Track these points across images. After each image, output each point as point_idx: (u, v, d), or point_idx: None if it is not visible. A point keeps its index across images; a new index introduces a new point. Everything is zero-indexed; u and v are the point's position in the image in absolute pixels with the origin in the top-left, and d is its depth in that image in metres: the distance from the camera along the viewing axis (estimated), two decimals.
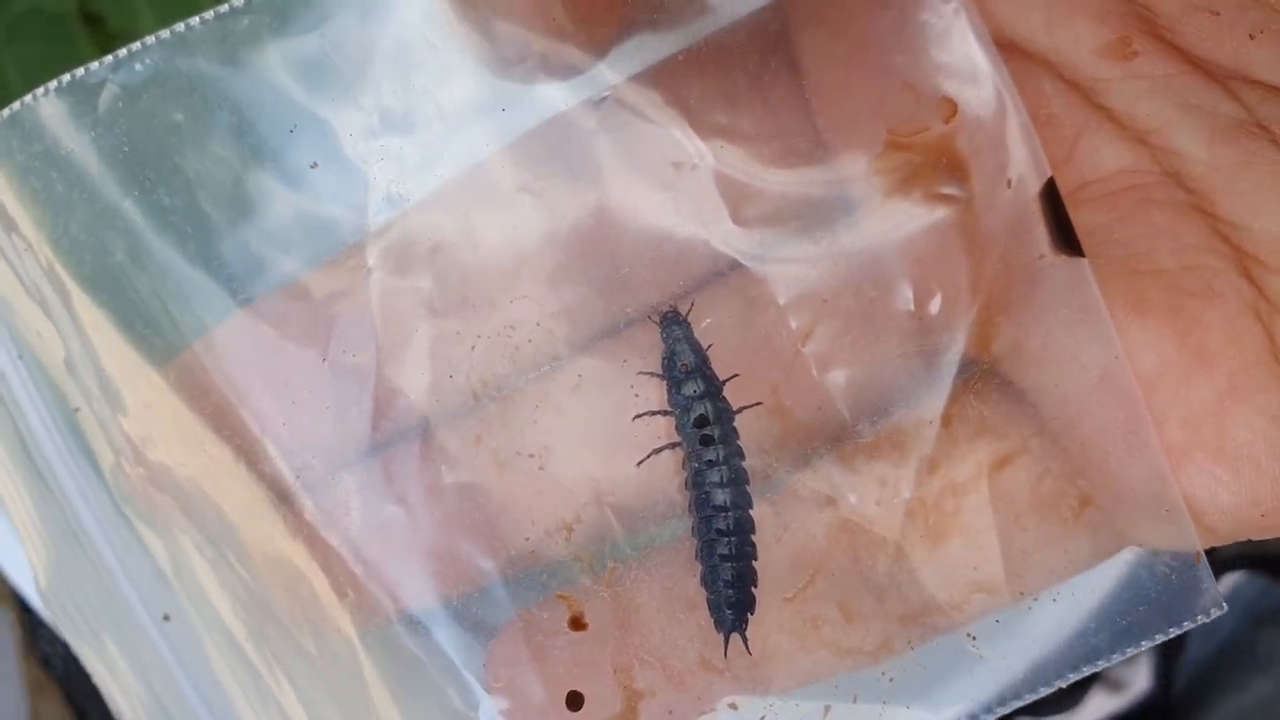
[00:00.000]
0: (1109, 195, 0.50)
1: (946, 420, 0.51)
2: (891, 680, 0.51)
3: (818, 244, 0.51)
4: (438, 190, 0.51)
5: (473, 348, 0.51)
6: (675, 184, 0.51)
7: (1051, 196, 0.48)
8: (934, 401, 0.51)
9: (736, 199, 0.51)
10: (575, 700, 0.51)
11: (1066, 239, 0.48)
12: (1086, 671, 0.51)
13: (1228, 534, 0.50)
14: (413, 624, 0.52)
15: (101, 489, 0.51)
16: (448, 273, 0.51)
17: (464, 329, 0.51)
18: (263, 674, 0.51)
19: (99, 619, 0.52)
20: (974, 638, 0.51)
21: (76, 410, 0.51)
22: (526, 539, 0.51)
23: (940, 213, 0.50)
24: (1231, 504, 0.48)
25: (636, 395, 0.52)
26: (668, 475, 0.52)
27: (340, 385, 0.51)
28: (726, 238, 0.51)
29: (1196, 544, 0.49)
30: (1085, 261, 0.48)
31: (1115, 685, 0.92)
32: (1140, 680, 0.92)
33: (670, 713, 0.51)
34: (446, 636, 0.51)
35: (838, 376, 0.51)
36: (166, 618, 0.51)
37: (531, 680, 0.51)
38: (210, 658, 0.51)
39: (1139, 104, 0.49)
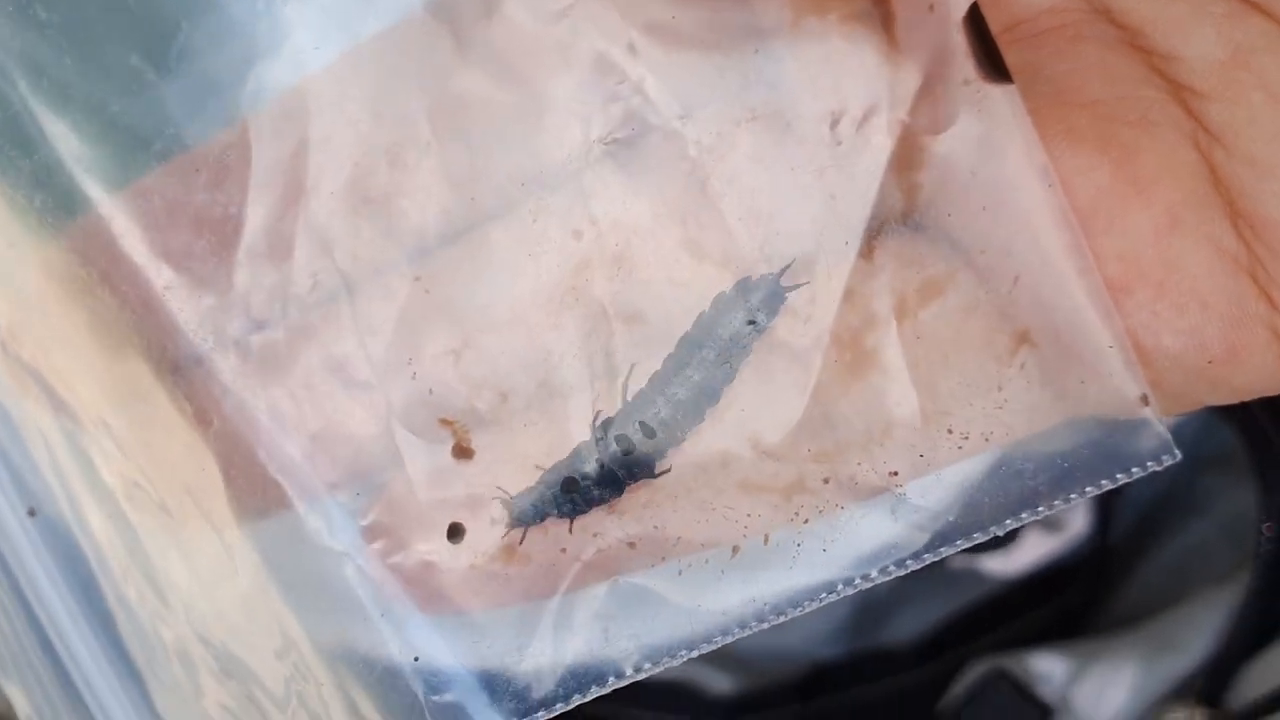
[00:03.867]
0: (1039, 35, 0.46)
1: (868, 250, 0.46)
2: (807, 521, 0.45)
3: (727, 63, 0.46)
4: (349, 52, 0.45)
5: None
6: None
7: (976, 21, 0.44)
8: (854, 227, 0.46)
9: (640, 15, 0.46)
10: (455, 531, 0.46)
11: (993, 64, 0.45)
12: (1026, 519, 0.45)
13: (1175, 390, 0.46)
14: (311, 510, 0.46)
15: None
16: (350, 140, 0.46)
17: (361, 204, 0.46)
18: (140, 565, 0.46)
19: None
20: (896, 474, 0.45)
21: None
22: (409, 360, 0.46)
23: (859, 34, 0.46)
24: (1177, 348, 0.45)
25: (534, 221, 0.46)
26: (567, 303, 0.47)
27: (237, 261, 0.45)
28: (629, 57, 0.46)
29: (1142, 384, 0.45)
30: (1013, 88, 0.45)
31: (1052, 525, 0.90)
32: (1078, 522, 0.90)
33: (563, 551, 0.46)
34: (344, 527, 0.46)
35: (754, 196, 0.46)
36: (32, 513, 0.46)
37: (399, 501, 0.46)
38: (82, 549, 0.47)
39: None
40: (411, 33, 0.45)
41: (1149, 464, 0.46)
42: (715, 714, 0.88)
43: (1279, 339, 0.45)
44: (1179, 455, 0.46)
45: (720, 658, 0.79)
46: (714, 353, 0.46)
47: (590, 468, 0.45)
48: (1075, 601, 0.88)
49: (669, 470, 0.46)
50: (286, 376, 0.46)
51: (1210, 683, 0.76)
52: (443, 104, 0.46)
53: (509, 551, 0.46)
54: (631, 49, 0.46)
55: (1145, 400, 0.45)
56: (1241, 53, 0.44)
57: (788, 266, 0.46)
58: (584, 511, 0.46)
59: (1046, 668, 0.83)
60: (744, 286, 0.46)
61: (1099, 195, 0.45)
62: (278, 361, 0.46)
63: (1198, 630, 0.79)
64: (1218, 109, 0.44)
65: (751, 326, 0.46)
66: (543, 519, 0.46)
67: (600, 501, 0.45)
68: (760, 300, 0.46)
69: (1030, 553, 0.89)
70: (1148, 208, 0.45)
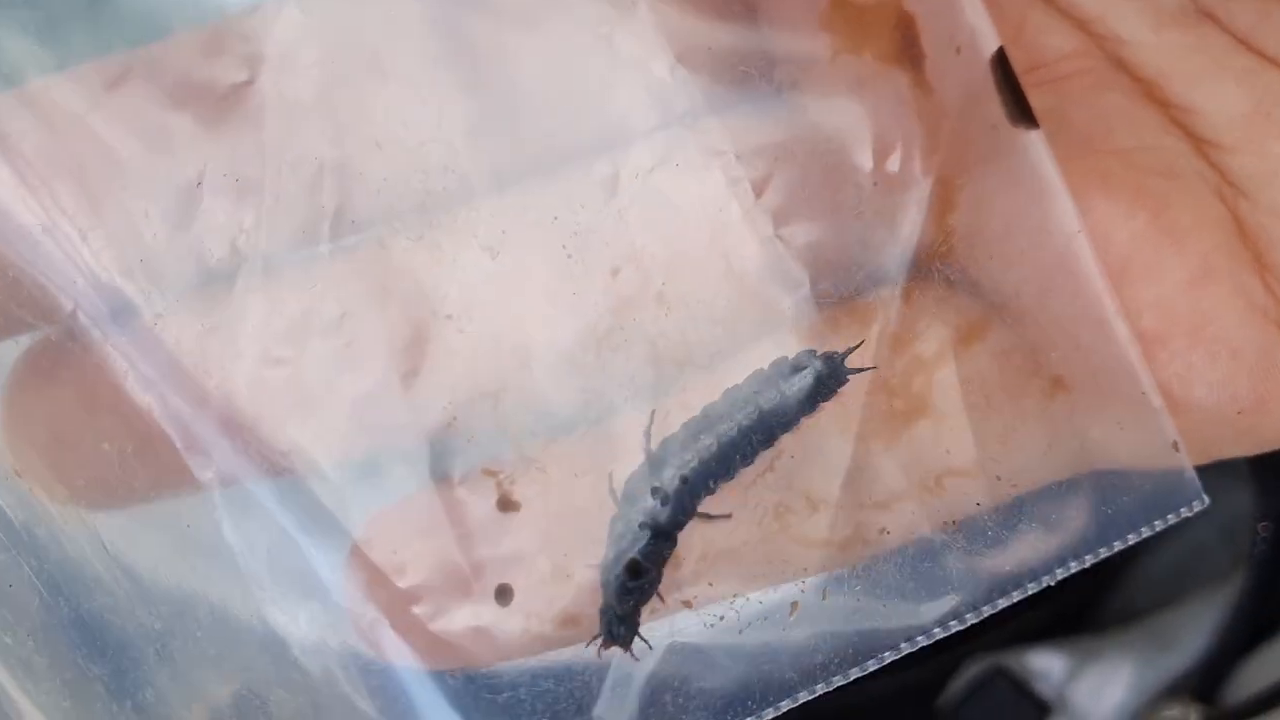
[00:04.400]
0: (1060, 80, 0.46)
1: (908, 294, 0.45)
2: (865, 574, 0.44)
3: (767, 97, 0.45)
4: None
5: (377, 191, 0.42)
6: (614, 21, 0.44)
7: (1003, 66, 0.44)
8: (895, 269, 0.45)
9: (681, 43, 0.44)
10: (504, 592, 0.43)
11: (1020, 109, 0.45)
12: (1074, 568, 0.45)
13: (1204, 441, 0.46)
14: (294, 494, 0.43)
15: None
16: (344, 94, 0.42)
17: (364, 164, 0.42)
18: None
19: None
20: (954, 523, 0.44)
21: None
22: (447, 405, 0.43)
23: (893, 74, 0.45)
24: (1210, 400, 0.45)
25: (569, 256, 0.44)
26: (613, 344, 0.44)
27: (214, 215, 0.42)
28: (669, 84, 0.44)
29: (1174, 431, 0.45)
30: (1039, 134, 0.44)
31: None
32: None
33: None
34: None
35: (796, 233, 0.45)
36: None
37: (441, 561, 0.43)
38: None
39: None
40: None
41: (1181, 510, 0.46)
42: None
43: None
44: (1207, 501, 0.46)
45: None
46: (756, 416, 0.44)
47: (649, 527, 0.43)
48: (1073, 600, 0.88)
49: (729, 516, 0.45)
50: (309, 419, 0.43)
51: (1205, 680, 0.77)
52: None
53: (565, 617, 0.44)
54: (671, 83, 0.44)
55: (1176, 446, 0.45)
56: (1263, 106, 0.44)
57: (854, 348, 0.45)
58: (658, 583, 0.44)
59: (1044, 665, 0.83)
60: (808, 359, 0.44)
61: (1135, 243, 0.45)
62: (302, 400, 0.43)
63: (1194, 629, 0.79)
64: (1241, 161, 0.45)
65: (808, 404, 0.44)
66: (636, 622, 0.44)
67: (665, 561, 0.43)
68: (823, 379, 0.44)
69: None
70: (1182, 257, 0.45)
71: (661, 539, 0.43)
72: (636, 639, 0.43)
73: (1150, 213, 0.45)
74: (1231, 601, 0.78)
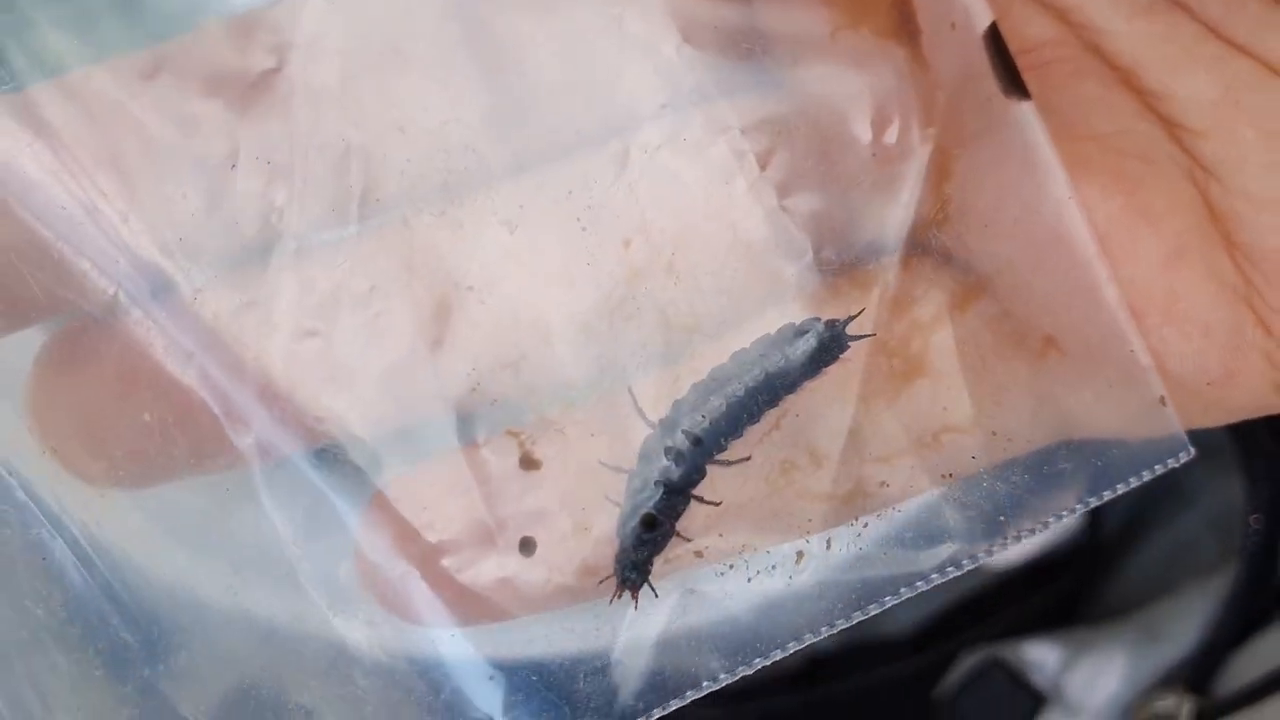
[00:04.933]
0: (1042, 66, 0.47)
1: (906, 260, 0.47)
2: (866, 525, 0.46)
3: (770, 73, 0.46)
4: None
5: (401, 172, 0.44)
6: (623, 3, 0.45)
7: (995, 40, 0.45)
8: (894, 236, 0.47)
9: (687, 22, 0.46)
10: (527, 544, 0.45)
11: (1013, 81, 0.46)
12: (1065, 516, 0.47)
13: (1177, 411, 0.47)
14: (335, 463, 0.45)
15: None
16: (368, 80, 0.44)
17: (388, 146, 0.44)
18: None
19: None
20: (950, 476, 0.46)
21: None
22: (470, 372, 0.45)
23: (890, 49, 0.47)
24: (1180, 371, 0.46)
25: (584, 229, 0.46)
26: (625, 313, 0.46)
27: (248, 197, 0.44)
28: (676, 63, 0.46)
29: (1161, 386, 0.46)
30: (1030, 105, 0.46)
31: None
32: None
33: None
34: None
35: (799, 203, 0.47)
36: None
37: (468, 516, 0.45)
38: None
39: None
40: None
41: (1169, 460, 0.47)
42: (714, 702, 0.88)
43: (1273, 364, 0.47)
44: (1194, 451, 0.47)
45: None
46: (762, 379, 0.46)
47: (663, 484, 0.45)
48: (1067, 592, 0.89)
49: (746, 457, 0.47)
50: (342, 388, 0.45)
51: (1198, 671, 0.78)
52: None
53: (584, 568, 0.46)
54: (679, 62, 0.46)
55: (1163, 401, 0.47)
56: (1233, 92, 0.45)
57: (855, 316, 0.47)
58: (671, 535, 0.46)
59: (1039, 656, 0.83)
60: (812, 324, 0.46)
61: (1111, 225, 0.46)
62: (334, 371, 0.45)
63: (1186, 620, 0.80)
64: (1211, 146, 0.46)
65: (810, 368, 0.46)
66: (648, 570, 0.46)
67: (678, 516, 0.45)
68: (826, 344, 0.46)
69: (1023, 544, 0.90)
70: (1157, 238, 0.46)
71: (675, 495, 0.45)
72: (646, 586, 0.45)
73: (1125, 195, 0.46)
74: (1223, 593, 0.78)
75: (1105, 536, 0.91)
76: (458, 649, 0.45)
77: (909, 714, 0.88)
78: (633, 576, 0.45)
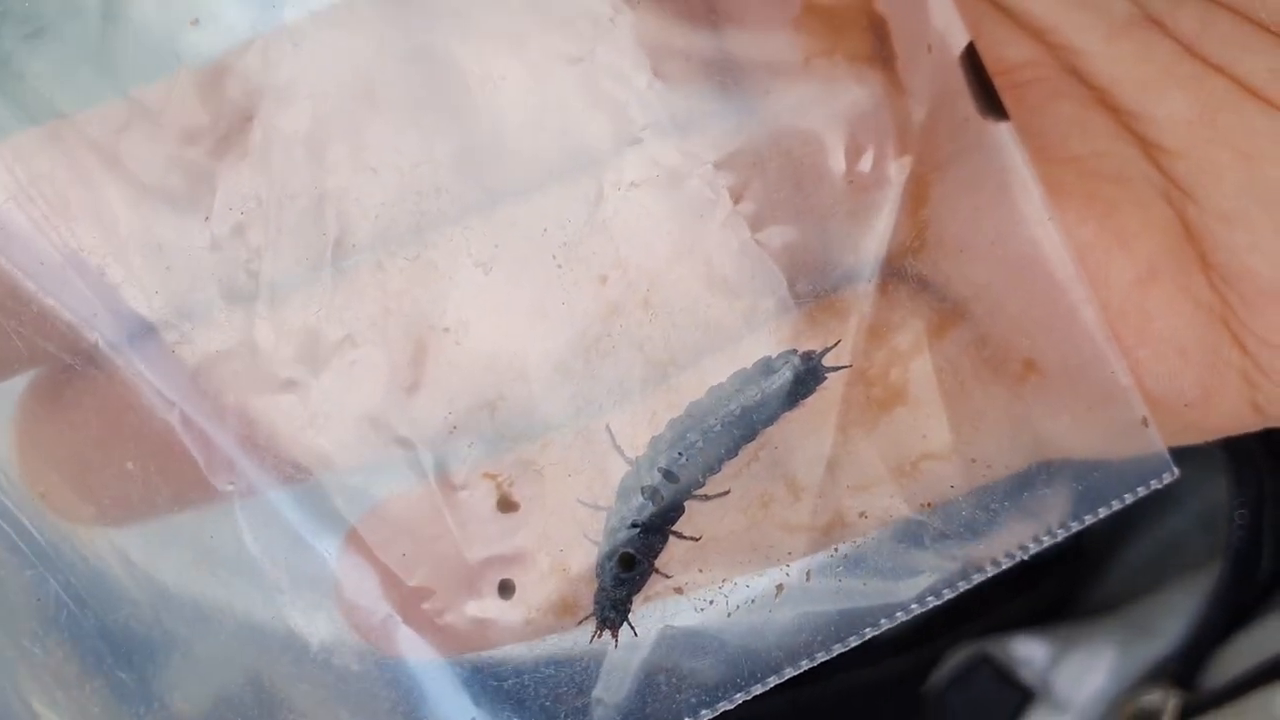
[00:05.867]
0: (1018, 87, 0.47)
1: (883, 288, 0.47)
2: (846, 556, 0.45)
3: (743, 103, 0.46)
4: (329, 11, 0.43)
5: (375, 216, 0.44)
6: (594, 38, 0.45)
7: (973, 61, 0.45)
8: (870, 265, 0.46)
9: (658, 54, 0.45)
10: (506, 587, 0.45)
11: (991, 102, 0.45)
12: (1046, 542, 0.46)
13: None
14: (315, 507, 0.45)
15: None
16: (339, 124, 0.44)
17: (361, 190, 0.44)
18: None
19: None
20: (929, 505, 0.46)
21: None
22: (448, 415, 0.45)
23: (865, 74, 0.46)
24: (1156, 392, 0.46)
25: (559, 266, 0.45)
26: (602, 350, 0.46)
27: (223, 246, 0.43)
28: (648, 96, 0.45)
29: (1143, 407, 0.46)
30: (1008, 126, 0.45)
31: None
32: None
33: None
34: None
35: (773, 236, 0.46)
36: None
37: (446, 560, 0.45)
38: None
39: (1032, 4, 0.46)
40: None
41: (1151, 482, 0.47)
42: None
43: (1250, 384, 0.46)
44: (1177, 472, 0.47)
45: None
46: (739, 414, 0.45)
47: (640, 523, 0.45)
48: (1055, 589, 0.89)
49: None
50: (320, 433, 0.45)
51: (1185, 666, 0.77)
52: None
53: (562, 605, 0.45)
54: (650, 95, 0.45)
55: (1145, 422, 0.46)
56: (1208, 112, 0.45)
57: (831, 347, 0.46)
58: (649, 574, 0.45)
59: (1027, 652, 0.83)
60: (788, 358, 0.46)
61: (1084, 249, 0.46)
62: (312, 417, 0.44)
63: (1173, 616, 0.79)
64: (1187, 165, 0.46)
65: (788, 401, 0.46)
66: (628, 609, 0.45)
67: (656, 555, 0.45)
68: (802, 377, 0.46)
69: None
70: (1130, 259, 0.46)
71: (653, 533, 0.45)
72: (626, 625, 0.45)
73: (1099, 219, 0.46)
74: (1209, 589, 0.78)
75: (1093, 535, 0.90)
76: (440, 689, 0.44)
77: (897, 711, 0.87)
78: (612, 615, 0.45)
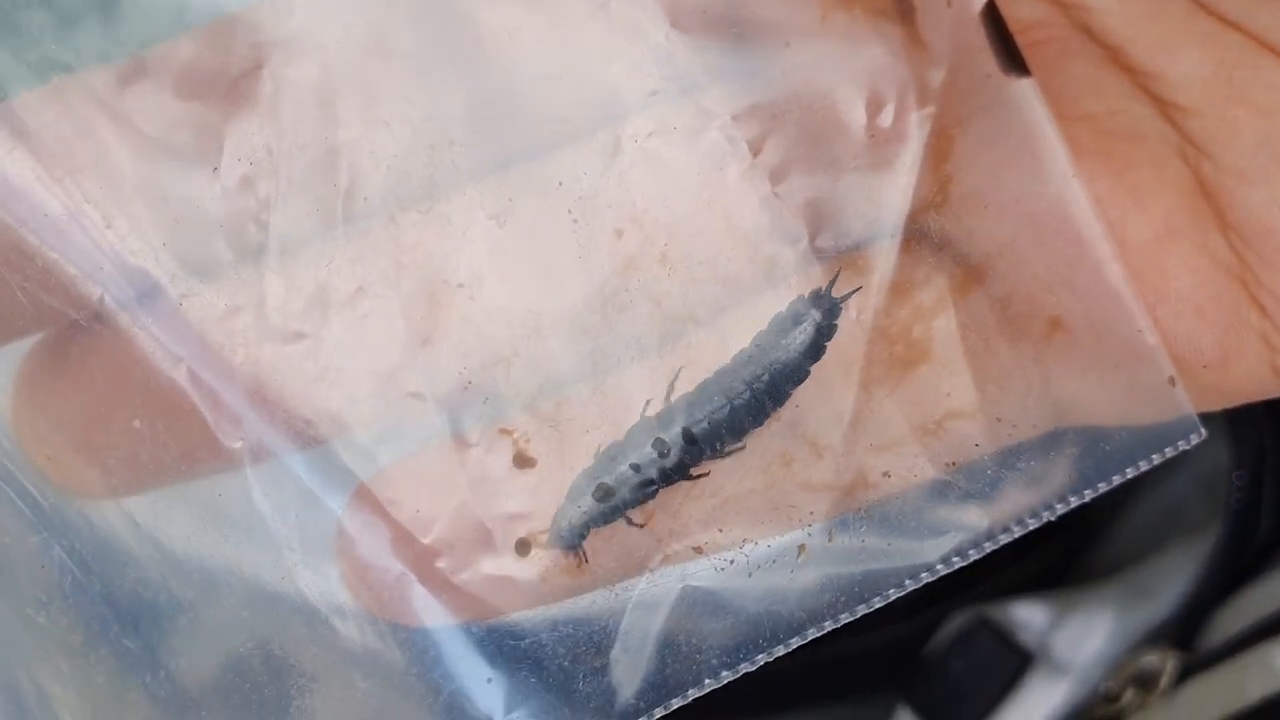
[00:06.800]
0: (1033, 45, 0.46)
1: (906, 244, 0.45)
2: (869, 516, 0.44)
3: (761, 56, 0.45)
4: None
5: (386, 169, 0.43)
6: None
7: (993, 15, 0.44)
8: (892, 220, 0.45)
9: (675, 6, 0.44)
10: (524, 545, 0.44)
11: (1012, 58, 0.45)
12: (1074, 502, 0.45)
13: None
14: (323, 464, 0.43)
15: None
16: (351, 75, 0.42)
17: (373, 143, 0.43)
18: None
19: None
20: (954, 464, 0.44)
21: None
22: (461, 370, 0.43)
23: (884, 28, 0.45)
24: (1175, 354, 0.45)
25: (575, 221, 0.44)
26: (619, 305, 0.44)
27: (232, 199, 0.42)
28: (665, 49, 0.44)
29: (1170, 366, 0.44)
30: (1030, 82, 0.44)
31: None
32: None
33: (629, 554, 0.44)
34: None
35: (793, 189, 0.45)
36: None
37: (462, 517, 0.43)
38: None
39: None
40: None
41: (1179, 443, 0.46)
42: None
43: (1269, 346, 0.45)
44: (1204, 433, 0.46)
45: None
46: (769, 378, 0.44)
47: (624, 471, 0.43)
48: (1055, 554, 0.88)
49: (707, 474, 0.45)
50: (331, 389, 0.43)
51: (1183, 629, 0.77)
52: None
53: (579, 562, 0.44)
54: (668, 48, 0.44)
55: (1173, 381, 0.45)
56: (1224, 69, 0.44)
57: (835, 279, 0.45)
58: (619, 516, 0.44)
59: (1027, 616, 0.82)
60: (802, 305, 0.44)
61: (1101, 206, 0.45)
62: (324, 372, 0.43)
63: (1172, 579, 0.79)
64: (1202, 123, 0.45)
65: (816, 351, 0.44)
66: (583, 537, 0.44)
67: (633, 504, 0.44)
68: (823, 318, 0.44)
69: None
70: (1146, 218, 0.45)
71: (646, 486, 0.43)
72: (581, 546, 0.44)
73: (1114, 177, 0.45)
74: (1208, 551, 0.78)
75: (1095, 499, 0.90)
76: (455, 650, 0.43)
77: (897, 675, 0.87)
78: (568, 536, 0.43)
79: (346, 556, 0.43)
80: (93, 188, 0.41)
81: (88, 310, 0.41)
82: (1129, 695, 0.77)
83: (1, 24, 0.40)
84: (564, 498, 0.44)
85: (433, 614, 0.43)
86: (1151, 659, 0.77)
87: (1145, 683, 0.76)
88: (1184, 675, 0.74)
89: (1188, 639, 0.76)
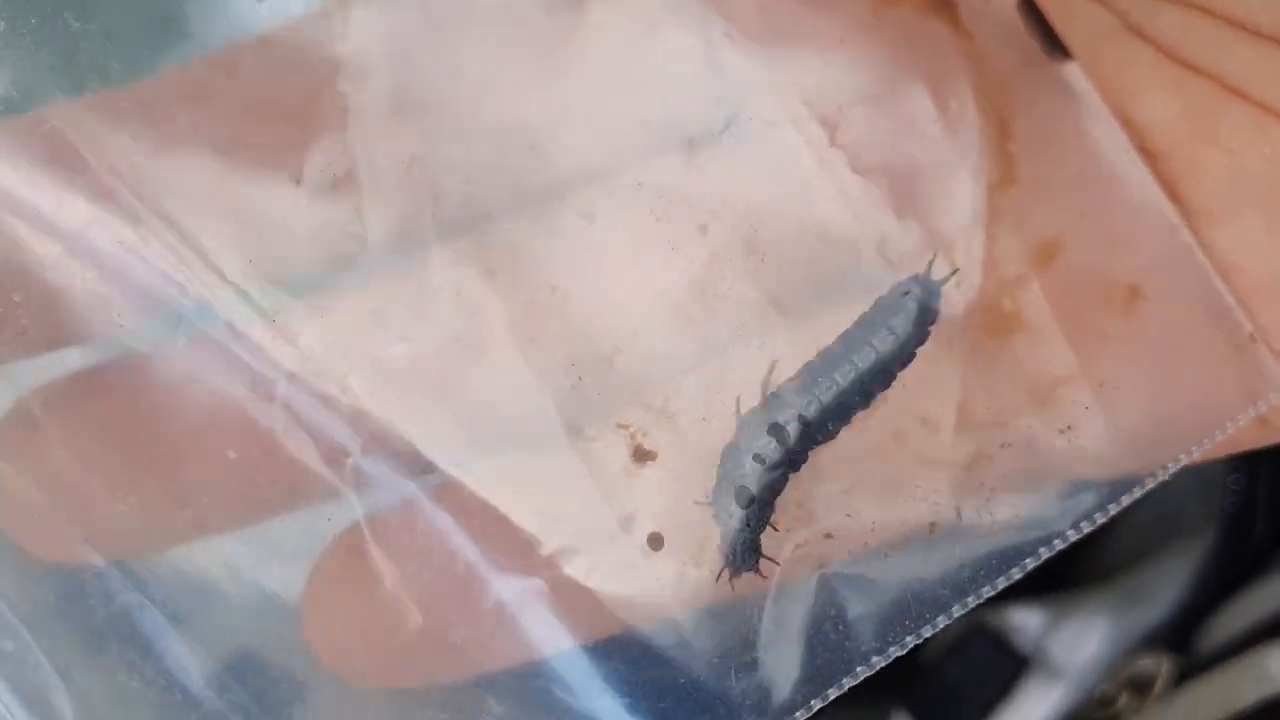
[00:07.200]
0: None
1: (981, 223, 0.46)
2: (993, 490, 0.43)
3: (820, 53, 0.45)
4: None
5: (468, 179, 0.42)
6: None
7: (1029, 6, 0.46)
8: (966, 201, 0.45)
9: (730, 7, 0.44)
10: (656, 539, 0.41)
11: (1052, 43, 0.46)
12: (1184, 460, 0.44)
13: None
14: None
15: None
16: (425, 88, 0.42)
17: (454, 152, 0.42)
18: None
19: None
20: (1069, 429, 0.44)
21: None
22: (569, 368, 0.41)
23: (931, 23, 0.46)
24: None
25: (657, 220, 0.43)
26: (714, 296, 0.43)
27: (318, 211, 0.40)
28: (726, 47, 0.44)
29: (1249, 322, 0.45)
30: (1075, 65, 0.46)
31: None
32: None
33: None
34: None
35: (870, 174, 0.45)
36: None
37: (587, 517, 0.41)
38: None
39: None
40: None
41: (1259, 404, 0.46)
42: None
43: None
44: None
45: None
46: (876, 361, 0.43)
47: (755, 465, 0.41)
48: (1051, 558, 0.88)
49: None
50: (436, 403, 0.41)
51: (1178, 633, 0.76)
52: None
53: (717, 553, 0.42)
54: (727, 45, 0.44)
55: (1253, 337, 0.45)
56: (1190, 110, 0.45)
57: (932, 260, 0.44)
58: (771, 510, 0.42)
59: (1022, 620, 0.82)
60: (905, 288, 0.43)
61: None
62: (426, 386, 0.41)
63: (1167, 583, 0.79)
64: (1170, 165, 0.46)
65: (921, 334, 0.43)
66: (758, 550, 0.42)
67: (775, 494, 0.42)
68: (927, 298, 0.43)
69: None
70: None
71: (775, 471, 0.41)
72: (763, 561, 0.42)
73: None
74: (1203, 556, 0.78)
75: None
76: (585, 672, 0.40)
77: (894, 681, 0.86)
78: (744, 557, 0.41)
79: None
80: (173, 209, 0.39)
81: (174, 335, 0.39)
82: (1124, 699, 0.76)
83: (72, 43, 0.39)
84: (713, 522, 0.42)
85: (556, 634, 0.40)
86: (1147, 663, 0.76)
87: (1140, 687, 0.76)
88: (1179, 679, 0.74)
89: (1183, 643, 0.76)
